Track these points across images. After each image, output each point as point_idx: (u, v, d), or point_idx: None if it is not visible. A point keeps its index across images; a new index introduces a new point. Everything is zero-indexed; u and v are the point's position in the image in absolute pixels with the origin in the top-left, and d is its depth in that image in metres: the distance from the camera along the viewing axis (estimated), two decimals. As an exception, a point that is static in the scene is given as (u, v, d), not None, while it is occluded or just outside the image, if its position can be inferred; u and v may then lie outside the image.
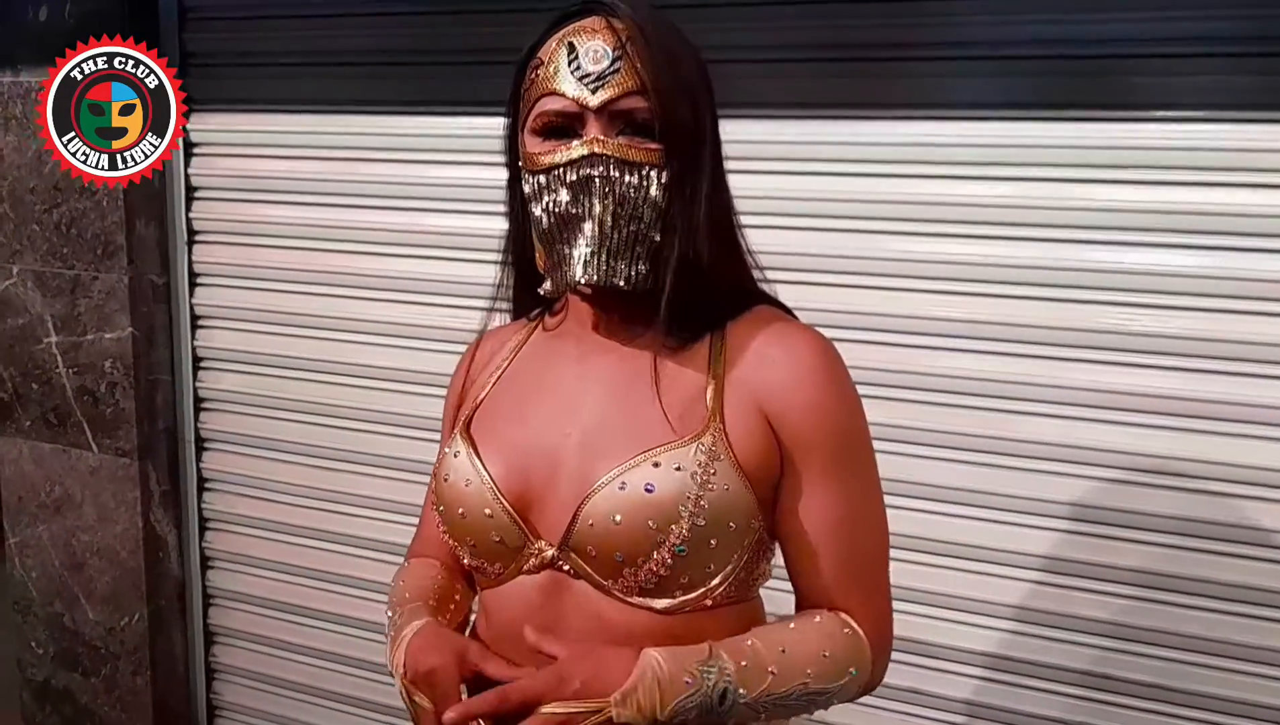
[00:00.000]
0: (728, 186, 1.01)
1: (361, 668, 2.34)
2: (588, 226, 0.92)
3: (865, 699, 1.03)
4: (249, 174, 2.27)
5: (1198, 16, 1.57)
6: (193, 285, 2.36)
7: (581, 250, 0.93)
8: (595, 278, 0.93)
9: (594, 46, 0.92)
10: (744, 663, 0.91)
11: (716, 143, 0.99)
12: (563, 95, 0.92)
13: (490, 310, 1.11)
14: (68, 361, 2.36)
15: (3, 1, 2.19)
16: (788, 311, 1.05)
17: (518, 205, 1.02)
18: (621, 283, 0.93)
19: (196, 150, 2.30)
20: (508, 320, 1.13)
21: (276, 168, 2.24)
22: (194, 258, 2.35)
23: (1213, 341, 1.62)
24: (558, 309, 1.08)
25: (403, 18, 2.08)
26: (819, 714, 1.02)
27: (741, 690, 0.90)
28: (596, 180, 0.92)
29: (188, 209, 2.32)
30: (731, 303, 1.00)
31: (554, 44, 0.94)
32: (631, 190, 0.92)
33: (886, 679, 1.05)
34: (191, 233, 2.34)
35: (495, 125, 1.94)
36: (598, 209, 0.92)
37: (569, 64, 0.92)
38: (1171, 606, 1.70)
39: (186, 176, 2.31)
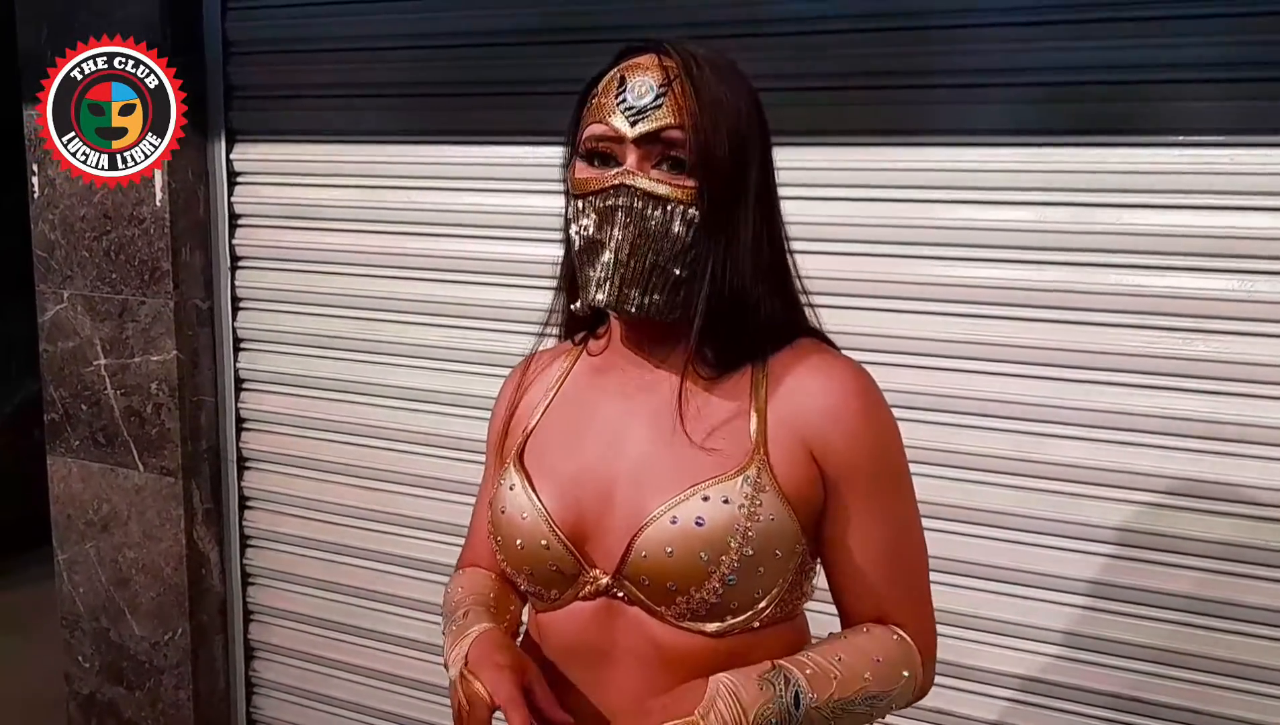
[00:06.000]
0: (779, 223, 1.04)
1: (397, 684, 2.38)
2: (606, 254, 0.97)
3: (892, 719, 1.05)
4: (290, 201, 2.33)
5: (1212, 43, 1.59)
6: (235, 309, 2.43)
7: (598, 274, 0.98)
8: (607, 301, 0.98)
9: (641, 81, 0.96)
10: (808, 670, 0.95)
11: (766, 182, 1.01)
12: (606, 124, 0.97)
13: (541, 334, 1.14)
14: (115, 383, 2.43)
15: (51, 42, 2.27)
16: (829, 343, 1.07)
17: (568, 227, 1.06)
18: (633, 310, 0.98)
19: (239, 179, 2.37)
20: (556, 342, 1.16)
21: (316, 195, 2.30)
22: (237, 283, 2.41)
23: (1237, 363, 1.63)
24: (601, 334, 1.11)
25: (436, 50, 2.13)
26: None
27: (812, 694, 0.93)
28: (620, 211, 0.96)
29: (231, 236, 2.39)
30: (775, 335, 1.03)
31: (610, 77, 0.99)
32: (654, 224, 0.96)
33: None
34: (234, 259, 2.41)
35: (528, 154, 2.07)
36: (617, 238, 0.96)
37: (617, 96, 0.97)
38: (1202, 630, 1.70)
39: (230, 204, 2.37)
